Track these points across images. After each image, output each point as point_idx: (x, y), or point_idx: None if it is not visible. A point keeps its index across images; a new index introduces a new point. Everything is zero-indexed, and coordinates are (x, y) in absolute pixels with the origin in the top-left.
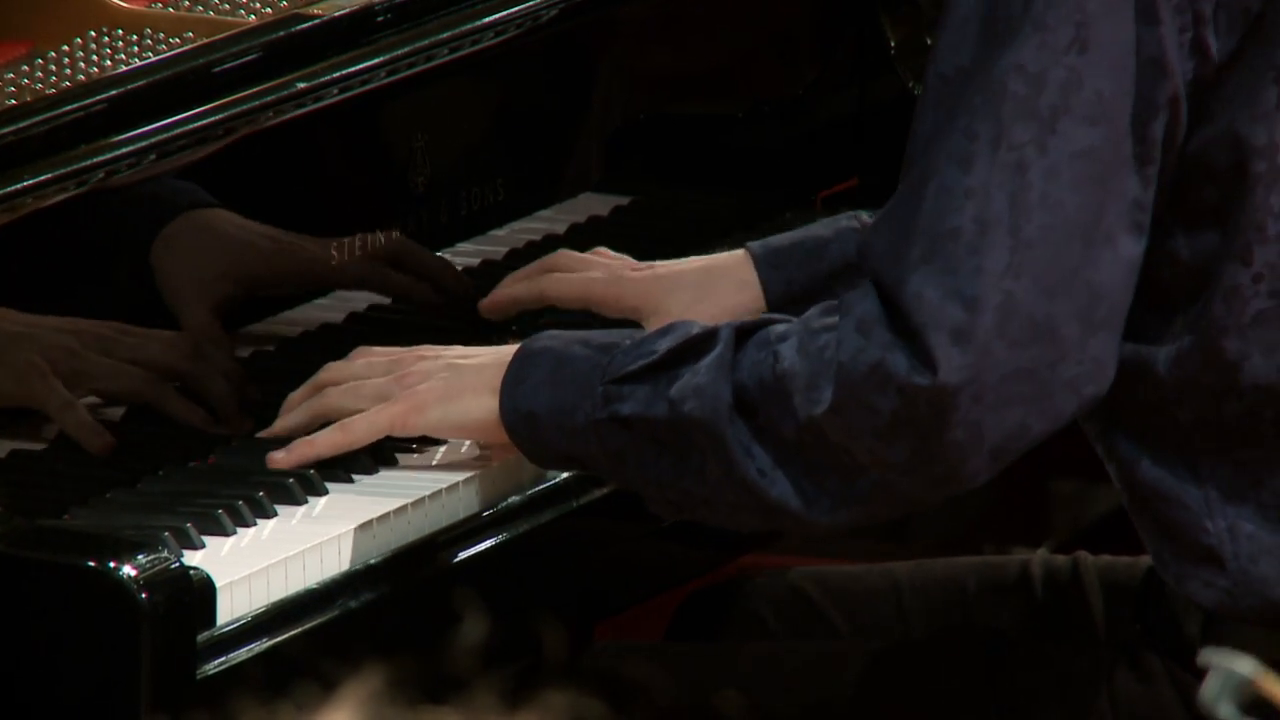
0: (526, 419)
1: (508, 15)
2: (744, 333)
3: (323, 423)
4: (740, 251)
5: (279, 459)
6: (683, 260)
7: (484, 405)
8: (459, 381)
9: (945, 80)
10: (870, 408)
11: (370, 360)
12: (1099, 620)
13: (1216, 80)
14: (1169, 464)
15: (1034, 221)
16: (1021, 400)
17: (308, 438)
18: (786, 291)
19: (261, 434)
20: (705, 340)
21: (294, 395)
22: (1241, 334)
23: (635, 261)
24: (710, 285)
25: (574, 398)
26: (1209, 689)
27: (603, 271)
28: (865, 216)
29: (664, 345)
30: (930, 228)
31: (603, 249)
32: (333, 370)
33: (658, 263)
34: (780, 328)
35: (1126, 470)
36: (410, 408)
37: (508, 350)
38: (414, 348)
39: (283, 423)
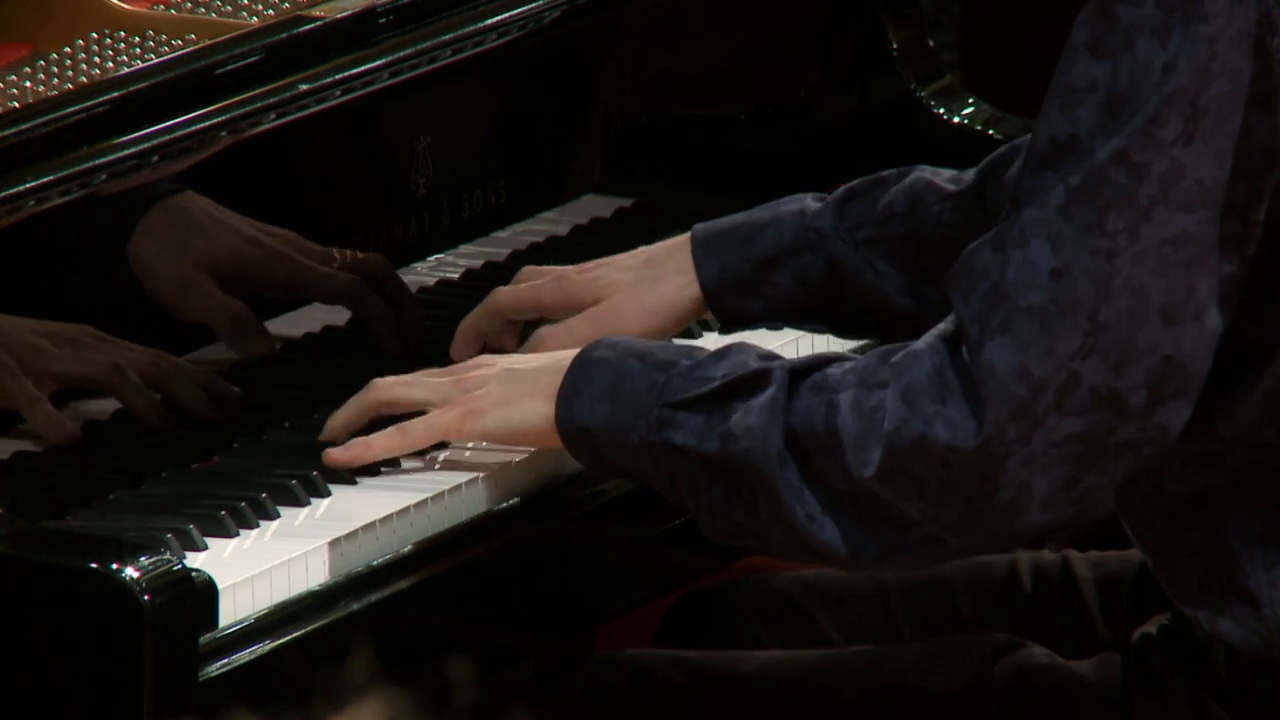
0: (582, 433)
1: (510, 17)
2: (798, 374)
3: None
4: (685, 236)
5: (335, 455)
6: (630, 252)
7: (540, 412)
8: (515, 387)
9: (1057, 144)
10: (916, 476)
11: (425, 371)
12: (1095, 616)
13: None
14: (1216, 501)
15: (1114, 305)
16: (1073, 459)
17: (365, 438)
18: (719, 277)
19: (322, 437)
20: (759, 378)
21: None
22: None
23: (582, 264)
24: (650, 275)
25: (629, 416)
26: None
27: (549, 277)
28: (810, 200)
29: (719, 373)
30: (1012, 299)
31: (553, 268)
32: (382, 385)
33: (605, 260)
34: (836, 374)
35: (1169, 502)
36: (467, 412)
37: (564, 356)
38: (471, 360)
39: (335, 420)
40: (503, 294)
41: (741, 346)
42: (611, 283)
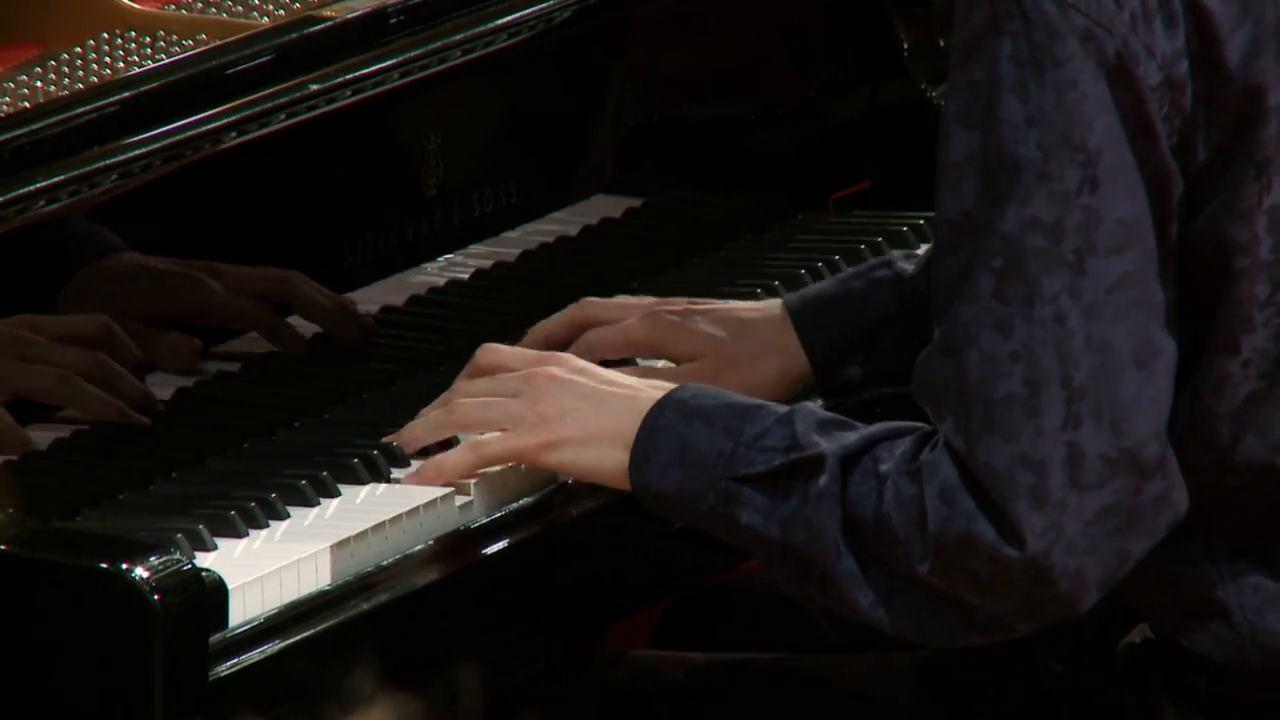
0: (655, 497)
1: (520, 17)
2: (850, 459)
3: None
4: (778, 309)
5: (408, 481)
6: (721, 309)
7: (616, 459)
8: (595, 426)
9: (952, 227)
10: (968, 571)
11: (500, 379)
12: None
13: (1200, 179)
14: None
15: (1083, 367)
16: (1115, 533)
17: (437, 459)
18: (828, 353)
19: (387, 439)
20: (814, 463)
21: (425, 409)
22: (1234, 417)
23: (666, 301)
24: (748, 349)
25: (697, 486)
26: None
27: (638, 318)
28: (900, 263)
29: (783, 445)
30: (984, 396)
31: (626, 298)
32: (462, 389)
33: (693, 304)
34: (885, 463)
35: None
36: (544, 443)
37: (643, 398)
38: (547, 356)
39: (409, 433)
40: (594, 334)
41: (805, 413)
42: (706, 339)
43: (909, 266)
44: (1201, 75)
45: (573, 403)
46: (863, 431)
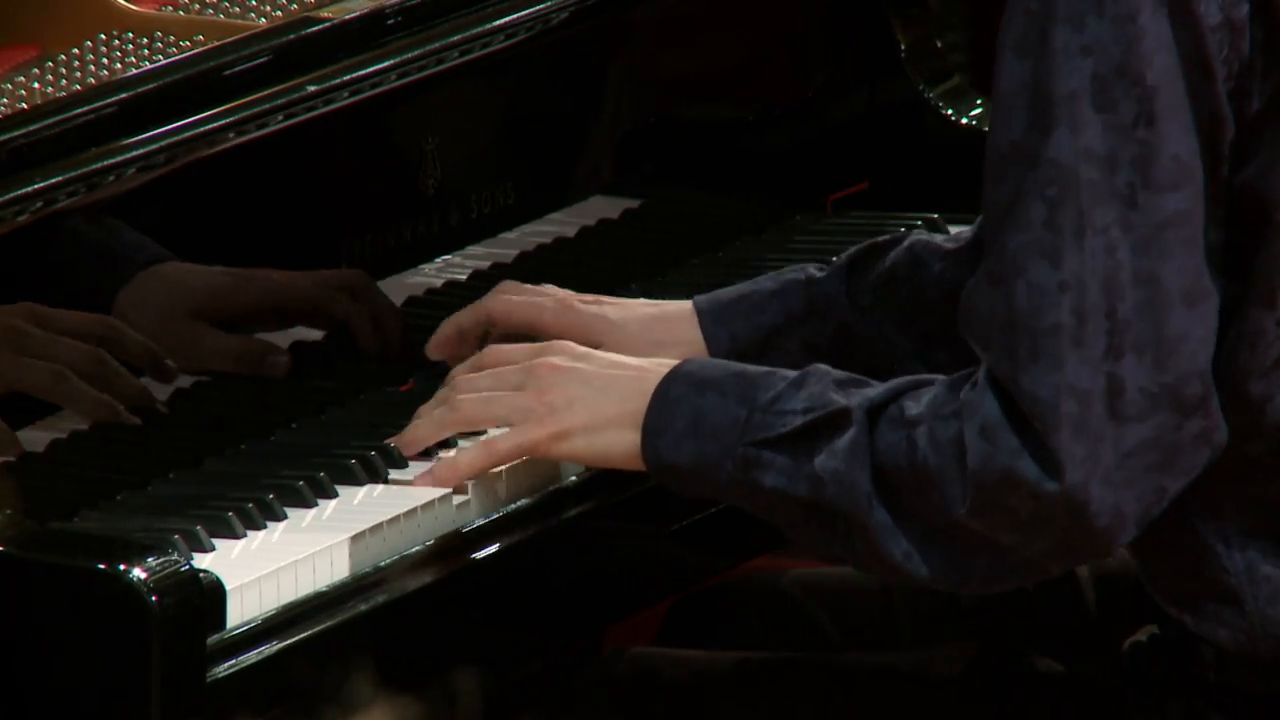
0: (669, 470)
1: (518, 18)
2: (876, 410)
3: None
4: (688, 306)
5: (422, 481)
6: (632, 302)
7: (628, 440)
8: (603, 411)
9: (1000, 154)
10: (1008, 509)
11: (500, 372)
12: (1097, 617)
13: (1252, 128)
14: (1193, 499)
15: (1129, 300)
16: (1152, 468)
17: (450, 459)
18: (731, 347)
19: (391, 441)
20: (839, 418)
21: (424, 407)
22: (1265, 376)
23: (583, 295)
24: (652, 339)
25: (715, 455)
26: None
27: (551, 301)
28: (813, 269)
29: (800, 407)
30: (1031, 325)
31: (550, 286)
32: (462, 382)
33: (607, 299)
34: (913, 409)
35: None
36: (554, 433)
37: (649, 377)
38: (546, 346)
39: (412, 434)
40: (501, 303)
41: (819, 374)
42: (613, 327)
43: (819, 273)
44: (1261, 21)
45: (578, 390)
46: (884, 384)
